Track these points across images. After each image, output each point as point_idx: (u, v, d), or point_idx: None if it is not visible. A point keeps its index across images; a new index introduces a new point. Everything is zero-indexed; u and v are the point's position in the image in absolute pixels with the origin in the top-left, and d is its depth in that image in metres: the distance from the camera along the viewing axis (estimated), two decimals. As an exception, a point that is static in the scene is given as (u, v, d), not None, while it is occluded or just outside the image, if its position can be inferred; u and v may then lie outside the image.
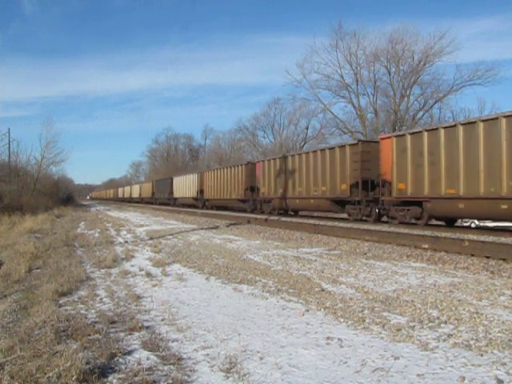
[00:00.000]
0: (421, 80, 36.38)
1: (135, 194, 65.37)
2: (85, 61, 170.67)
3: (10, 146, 36.05)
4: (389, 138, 15.44)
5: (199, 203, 34.73)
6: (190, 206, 37.08)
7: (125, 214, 30.63)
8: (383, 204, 15.71)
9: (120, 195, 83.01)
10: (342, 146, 18.02)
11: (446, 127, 13.15)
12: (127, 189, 76.85)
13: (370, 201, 16.51)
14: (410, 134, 14.46)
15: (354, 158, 16.87)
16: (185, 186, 38.95)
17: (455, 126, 12.76)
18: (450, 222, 14.69)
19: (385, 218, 16.46)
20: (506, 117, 11.32)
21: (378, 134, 31.96)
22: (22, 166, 38.86)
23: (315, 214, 22.96)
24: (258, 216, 20.77)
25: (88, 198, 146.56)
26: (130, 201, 68.57)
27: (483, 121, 11.90)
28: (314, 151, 19.97)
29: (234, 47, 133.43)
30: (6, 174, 33.16)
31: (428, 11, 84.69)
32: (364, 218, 16.74)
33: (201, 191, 34.58)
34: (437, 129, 13.35)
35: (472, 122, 12.29)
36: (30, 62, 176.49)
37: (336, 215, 21.86)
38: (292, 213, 23.36)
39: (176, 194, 42.22)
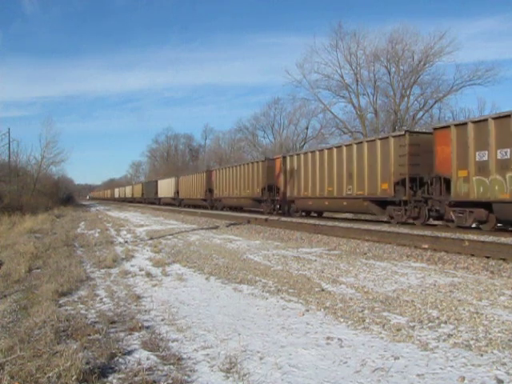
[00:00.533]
0: (421, 80, 36.38)
1: (129, 194, 71.34)
2: (85, 61, 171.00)
3: (10, 146, 36.09)
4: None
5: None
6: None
7: (125, 213, 30.63)
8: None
9: (116, 195, 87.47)
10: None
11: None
12: (122, 189, 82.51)
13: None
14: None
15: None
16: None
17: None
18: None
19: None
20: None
21: (377, 134, 31.92)
22: (22, 166, 38.89)
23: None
24: (258, 216, 20.67)
25: (88, 198, 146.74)
26: (124, 200, 73.65)
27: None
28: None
29: (234, 47, 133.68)
30: (5, 174, 33.16)
31: (428, 11, 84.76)
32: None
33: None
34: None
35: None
36: (30, 62, 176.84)
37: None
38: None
39: (160, 195, 49.00)
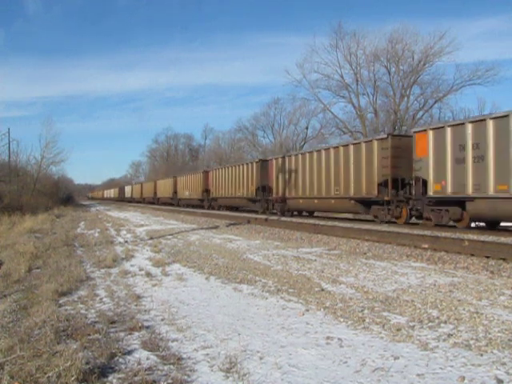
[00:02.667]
0: (421, 80, 36.43)
1: (128, 194, 72.78)
2: (86, 61, 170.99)
3: (10, 146, 36.10)
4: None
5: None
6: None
7: (125, 213, 30.63)
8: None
9: (118, 195, 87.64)
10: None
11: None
12: (121, 189, 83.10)
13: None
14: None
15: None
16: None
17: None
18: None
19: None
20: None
21: (377, 134, 31.94)
22: (22, 166, 38.88)
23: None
24: (258, 216, 20.70)
25: (88, 197, 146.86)
26: (122, 200, 74.91)
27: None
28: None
29: (234, 47, 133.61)
30: (5, 173, 33.16)
31: (428, 11, 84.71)
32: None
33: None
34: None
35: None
36: (30, 62, 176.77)
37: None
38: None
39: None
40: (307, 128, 49.33)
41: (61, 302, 5.21)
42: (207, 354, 3.49)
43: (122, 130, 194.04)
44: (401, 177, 15.04)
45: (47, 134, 42.30)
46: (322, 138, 44.28)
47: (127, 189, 76.67)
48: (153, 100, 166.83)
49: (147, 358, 3.39)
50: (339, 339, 3.79)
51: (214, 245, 10.75)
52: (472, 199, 12.22)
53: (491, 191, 11.63)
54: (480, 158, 11.96)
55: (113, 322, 4.32)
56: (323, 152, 19.24)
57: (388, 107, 37.92)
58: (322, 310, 4.72)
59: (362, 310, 4.64)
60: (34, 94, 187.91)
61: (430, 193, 13.59)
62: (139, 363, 3.27)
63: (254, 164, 25.47)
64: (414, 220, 15.37)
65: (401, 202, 15.08)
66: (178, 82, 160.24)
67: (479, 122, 12.13)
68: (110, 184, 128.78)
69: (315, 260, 8.09)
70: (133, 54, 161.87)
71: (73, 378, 2.86)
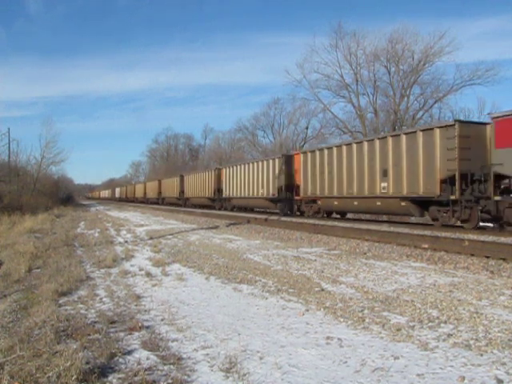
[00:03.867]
0: (421, 80, 36.41)
1: (130, 194, 71.57)
2: (87, 60, 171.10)
3: (10, 146, 36.10)
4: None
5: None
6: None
7: (124, 213, 30.61)
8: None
9: (117, 195, 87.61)
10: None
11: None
12: (123, 189, 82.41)
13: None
14: None
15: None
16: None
17: None
18: None
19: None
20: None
21: (377, 133, 31.86)
22: (22, 166, 38.85)
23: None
24: (258, 216, 20.61)
25: (87, 197, 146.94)
26: (125, 200, 73.92)
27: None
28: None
29: (235, 47, 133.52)
30: (5, 173, 33.15)
31: (428, 11, 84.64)
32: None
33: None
34: None
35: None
36: (31, 62, 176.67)
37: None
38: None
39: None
40: (307, 128, 49.35)
41: (61, 301, 5.21)
42: (207, 354, 3.49)
43: (122, 129, 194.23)
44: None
45: (47, 134, 42.29)
46: (322, 138, 44.29)
47: (117, 190, 79.32)
48: (153, 100, 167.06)
49: (147, 358, 3.39)
50: (339, 339, 3.79)
51: (213, 245, 10.75)
52: None
53: None
54: None
55: (113, 322, 4.32)
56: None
57: (388, 107, 37.93)
58: (321, 309, 4.72)
59: (361, 310, 4.64)
60: (35, 94, 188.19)
61: None
62: (139, 363, 3.27)
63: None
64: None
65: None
66: (178, 81, 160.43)
67: None
68: (107, 185, 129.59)
69: (315, 260, 8.09)
70: (133, 53, 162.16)
71: (73, 378, 2.86)
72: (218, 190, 31.56)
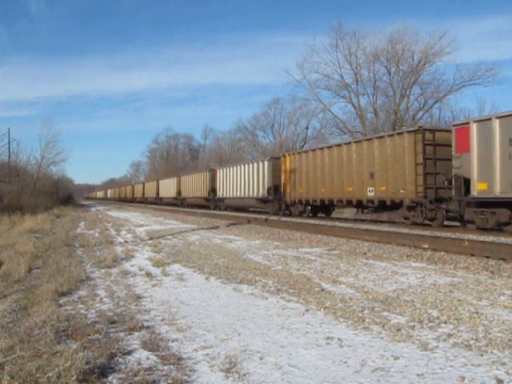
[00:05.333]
0: (421, 80, 36.42)
1: (129, 195, 72.80)
2: (88, 60, 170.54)
3: (10, 146, 36.08)
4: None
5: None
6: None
7: (124, 213, 30.61)
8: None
9: (117, 195, 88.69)
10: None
11: None
12: (123, 189, 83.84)
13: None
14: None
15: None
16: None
17: None
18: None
19: None
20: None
21: (378, 133, 31.85)
22: (22, 166, 38.81)
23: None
24: (258, 216, 20.64)
25: (85, 197, 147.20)
26: (124, 200, 75.19)
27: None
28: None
29: (237, 47, 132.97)
30: (5, 173, 33.15)
31: (428, 11, 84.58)
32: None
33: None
34: None
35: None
36: (33, 61, 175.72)
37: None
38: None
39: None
40: (307, 128, 49.34)
41: (61, 302, 5.21)
42: (207, 354, 3.49)
43: (122, 129, 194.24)
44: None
45: (47, 134, 42.14)
46: (322, 138, 44.26)
47: (109, 191, 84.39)
48: (154, 100, 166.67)
49: (147, 358, 3.39)
50: (339, 339, 3.79)
51: (214, 245, 10.75)
52: None
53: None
54: None
55: (113, 322, 4.32)
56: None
57: (388, 107, 37.96)
58: (322, 310, 4.72)
59: (362, 310, 4.64)
60: (36, 94, 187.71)
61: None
62: (139, 363, 3.27)
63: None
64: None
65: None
66: (179, 81, 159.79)
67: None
68: (103, 186, 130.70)
69: (315, 260, 8.09)
70: (135, 53, 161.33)
71: (73, 378, 2.86)
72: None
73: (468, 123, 12.61)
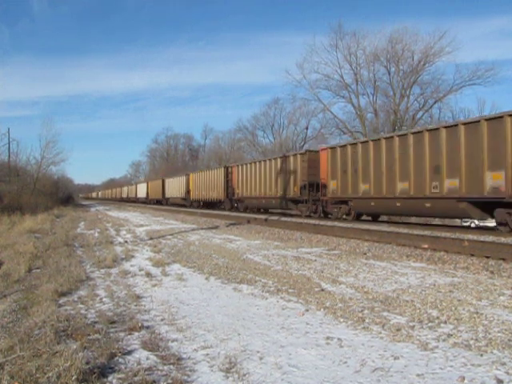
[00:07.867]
0: (421, 80, 36.48)
1: (131, 194, 71.18)
2: (89, 60, 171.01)
3: (10, 146, 36.09)
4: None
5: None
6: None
7: (124, 213, 30.61)
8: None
9: (118, 195, 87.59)
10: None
11: None
12: (124, 189, 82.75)
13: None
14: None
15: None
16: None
17: None
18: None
19: None
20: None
21: (377, 134, 31.89)
22: (22, 166, 38.83)
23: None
24: (258, 216, 20.62)
25: (83, 198, 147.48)
26: (127, 200, 73.70)
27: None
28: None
29: (239, 46, 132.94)
30: (5, 173, 33.15)
31: (428, 11, 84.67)
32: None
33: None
34: None
35: None
36: (34, 61, 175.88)
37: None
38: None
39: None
40: (307, 128, 49.46)
41: (61, 302, 5.21)
42: (207, 354, 3.49)
43: (122, 129, 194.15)
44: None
45: (47, 134, 42.30)
46: (322, 138, 44.34)
47: (101, 192, 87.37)
48: (155, 100, 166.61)
49: (147, 358, 3.39)
50: (339, 339, 3.79)
51: (213, 245, 10.75)
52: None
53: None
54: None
55: (113, 322, 4.32)
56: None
57: (388, 107, 37.99)
58: (321, 310, 4.72)
59: (361, 310, 4.64)
60: (37, 94, 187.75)
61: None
62: (139, 363, 3.27)
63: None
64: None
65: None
66: (181, 81, 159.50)
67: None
68: (103, 186, 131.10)
69: (315, 260, 8.09)
70: (136, 53, 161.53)
71: (73, 378, 2.86)
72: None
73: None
